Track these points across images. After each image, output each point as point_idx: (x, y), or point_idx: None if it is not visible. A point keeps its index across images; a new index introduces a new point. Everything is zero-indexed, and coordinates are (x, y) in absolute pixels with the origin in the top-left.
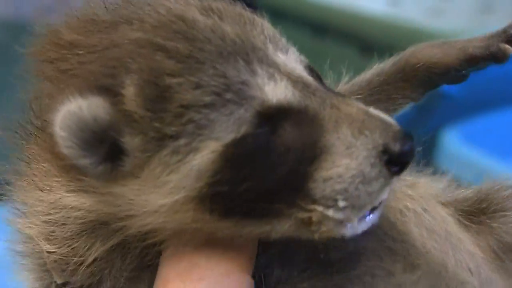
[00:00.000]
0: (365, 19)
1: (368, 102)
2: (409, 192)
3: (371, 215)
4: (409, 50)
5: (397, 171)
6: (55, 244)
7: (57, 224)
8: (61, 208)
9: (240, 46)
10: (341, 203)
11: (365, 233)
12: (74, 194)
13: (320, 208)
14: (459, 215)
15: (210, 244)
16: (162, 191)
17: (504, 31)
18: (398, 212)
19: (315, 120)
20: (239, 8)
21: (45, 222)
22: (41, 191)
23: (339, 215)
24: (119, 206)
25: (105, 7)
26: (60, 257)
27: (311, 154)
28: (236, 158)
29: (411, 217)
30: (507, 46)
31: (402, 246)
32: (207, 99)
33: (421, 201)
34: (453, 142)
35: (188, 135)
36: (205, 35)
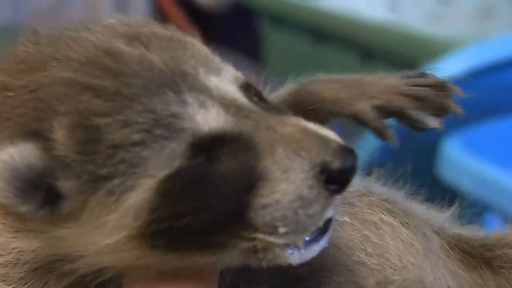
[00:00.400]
0: (364, 25)
1: None
2: (387, 205)
3: (320, 241)
4: (304, 86)
5: (337, 190)
6: (12, 285)
7: (9, 266)
8: (9, 251)
9: (168, 76)
10: (281, 229)
11: (335, 248)
12: (19, 237)
13: (261, 236)
14: (459, 250)
15: (172, 274)
16: (103, 232)
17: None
18: (372, 225)
19: (250, 145)
20: (168, 31)
21: None
22: None
23: (281, 241)
24: (65, 248)
25: (36, 43)
26: None
27: (249, 182)
28: (172, 193)
29: (386, 230)
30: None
31: (376, 260)
32: (136, 137)
33: (401, 215)
34: (454, 150)
35: (121, 174)
36: (132, 69)
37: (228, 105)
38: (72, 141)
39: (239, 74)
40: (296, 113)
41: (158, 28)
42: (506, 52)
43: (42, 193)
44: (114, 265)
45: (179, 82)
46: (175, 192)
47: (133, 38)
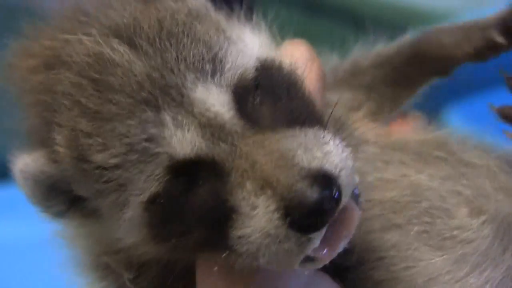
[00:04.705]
0: None
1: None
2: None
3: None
4: (423, 37)
5: (307, 231)
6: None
7: None
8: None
9: (150, 90)
10: (261, 259)
11: (429, 177)
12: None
13: (248, 260)
14: None
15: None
16: (122, 233)
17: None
18: (469, 165)
19: (222, 174)
20: (172, 16)
21: None
22: None
23: (269, 267)
24: (110, 240)
25: (50, 38)
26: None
27: (223, 213)
28: (158, 213)
29: (483, 171)
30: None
31: (471, 192)
32: (114, 161)
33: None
34: (454, 121)
35: (115, 191)
36: (116, 82)
37: (207, 124)
38: (69, 156)
39: (243, 71)
40: (420, 65)
41: (159, 13)
42: None
43: (65, 195)
44: (156, 257)
45: (159, 97)
46: (161, 212)
47: (127, 38)
